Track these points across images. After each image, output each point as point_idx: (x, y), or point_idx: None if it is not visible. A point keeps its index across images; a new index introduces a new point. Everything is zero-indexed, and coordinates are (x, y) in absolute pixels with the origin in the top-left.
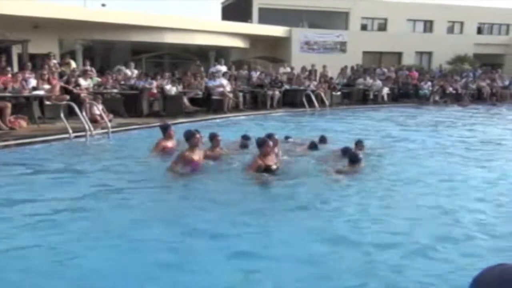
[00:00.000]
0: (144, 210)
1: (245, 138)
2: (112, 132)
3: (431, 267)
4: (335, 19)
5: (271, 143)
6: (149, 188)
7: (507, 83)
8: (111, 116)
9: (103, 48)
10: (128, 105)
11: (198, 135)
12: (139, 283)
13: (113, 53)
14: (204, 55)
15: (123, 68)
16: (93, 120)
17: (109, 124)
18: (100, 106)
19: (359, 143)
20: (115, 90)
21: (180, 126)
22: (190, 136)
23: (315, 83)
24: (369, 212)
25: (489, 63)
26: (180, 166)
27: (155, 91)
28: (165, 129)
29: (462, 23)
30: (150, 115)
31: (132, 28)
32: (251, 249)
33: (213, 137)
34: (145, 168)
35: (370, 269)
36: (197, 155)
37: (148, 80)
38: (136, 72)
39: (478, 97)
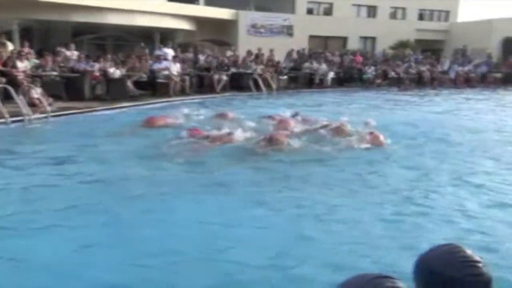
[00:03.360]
0: (86, 193)
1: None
2: (52, 116)
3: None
4: (281, 2)
5: None
6: (90, 171)
7: (445, 68)
8: (50, 100)
9: (42, 28)
10: (69, 88)
11: None
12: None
13: (52, 34)
14: (149, 37)
15: (63, 49)
16: (32, 104)
17: (48, 108)
18: (39, 90)
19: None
20: (54, 73)
21: (125, 110)
22: None
23: (261, 67)
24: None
25: (430, 48)
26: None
27: (97, 74)
28: None
29: (404, 9)
30: (93, 98)
31: (73, 8)
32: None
33: None
34: (88, 152)
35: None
36: None
37: (90, 62)
38: (76, 53)
39: (418, 82)
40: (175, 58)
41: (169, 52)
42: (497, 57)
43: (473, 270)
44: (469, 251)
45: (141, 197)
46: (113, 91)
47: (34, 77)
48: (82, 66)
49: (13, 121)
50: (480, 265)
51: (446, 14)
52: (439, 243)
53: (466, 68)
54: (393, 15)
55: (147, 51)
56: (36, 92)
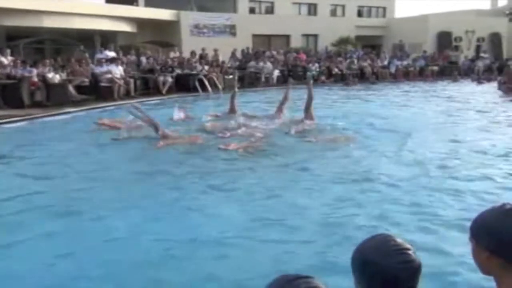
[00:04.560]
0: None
1: None
2: None
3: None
4: (223, 2)
5: None
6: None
7: (386, 63)
8: None
9: None
10: (6, 96)
11: None
12: None
13: None
14: (90, 40)
15: None
16: None
17: None
18: None
19: None
20: None
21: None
22: None
23: (207, 67)
24: None
25: (370, 44)
26: None
27: (36, 79)
28: None
29: (343, 6)
30: (33, 105)
31: (6, 11)
32: None
33: None
34: (31, 161)
35: None
36: None
37: (27, 67)
38: (11, 59)
39: (361, 77)
40: (117, 60)
41: (111, 55)
42: (433, 50)
43: (405, 257)
44: (399, 240)
45: None
46: (54, 97)
47: None
48: (19, 72)
49: None
50: (410, 252)
51: (383, 10)
52: (371, 235)
53: (405, 63)
54: (333, 12)
55: (87, 54)
56: None
